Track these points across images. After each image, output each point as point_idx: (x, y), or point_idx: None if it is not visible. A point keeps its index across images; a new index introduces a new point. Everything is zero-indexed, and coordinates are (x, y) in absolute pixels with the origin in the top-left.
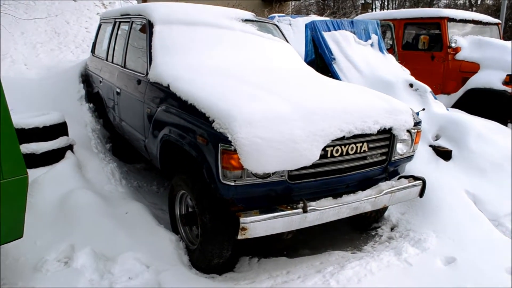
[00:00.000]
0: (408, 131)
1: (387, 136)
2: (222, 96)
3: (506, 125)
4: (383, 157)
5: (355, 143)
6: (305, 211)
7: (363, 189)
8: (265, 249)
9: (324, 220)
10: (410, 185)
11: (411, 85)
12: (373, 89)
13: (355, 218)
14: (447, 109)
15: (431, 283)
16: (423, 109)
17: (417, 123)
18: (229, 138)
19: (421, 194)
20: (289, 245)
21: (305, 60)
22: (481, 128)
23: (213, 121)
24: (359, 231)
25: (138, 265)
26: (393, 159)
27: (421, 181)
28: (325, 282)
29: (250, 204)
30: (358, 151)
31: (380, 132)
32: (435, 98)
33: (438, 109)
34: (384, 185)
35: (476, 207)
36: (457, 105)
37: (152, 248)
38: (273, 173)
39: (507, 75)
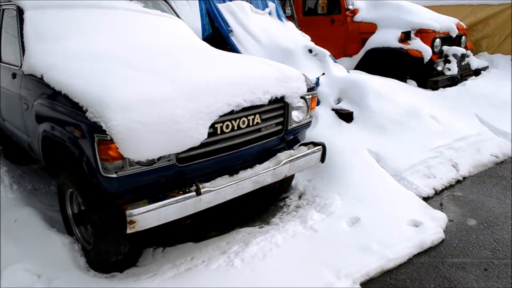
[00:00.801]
0: (302, 97)
1: (280, 105)
2: (96, 82)
3: (405, 81)
4: (279, 127)
5: (246, 116)
6: (198, 193)
7: (262, 162)
8: (171, 237)
9: (223, 199)
10: (310, 151)
11: (310, 51)
12: (273, 58)
13: (262, 191)
14: (348, 72)
15: (336, 246)
16: (323, 74)
17: (311, 89)
18: (104, 127)
19: (322, 159)
20: (196, 229)
21: (203, 35)
22: (380, 87)
23: (86, 110)
24: (268, 204)
25: (28, 276)
26: (289, 127)
27: (320, 146)
28: (229, 262)
29: (139, 195)
30: (251, 124)
31: (272, 101)
32: (335, 62)
33: (339, 72)
34: (283, 155)
35: (378, 165)
36: (359, 66)
37: (44, 255)
38: (158, 159)
39: (402, 32)
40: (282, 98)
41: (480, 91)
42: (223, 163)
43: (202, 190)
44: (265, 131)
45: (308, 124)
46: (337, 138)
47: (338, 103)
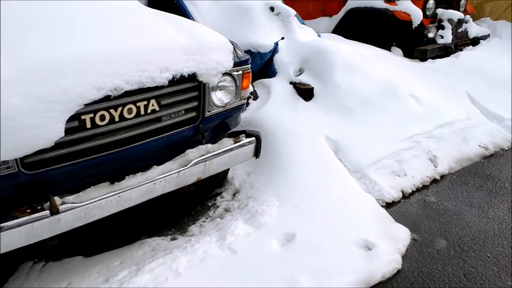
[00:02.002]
0: (228, 74)
1: (192, 85)
2: None
3: (389, 49)
4: (193, 114)
5: (134, 103)
6: (54, 212)
7: (164, 161)
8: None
9: (95, 217)
10: (236, 146)
11: (272, 9)
12: (227, 19)
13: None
14: (318, 35)
15: (254, 277)
16: (282, 38)
17: (241, 62)
18: None
19: (256, 154)
20: (97, 235)
21: None
22: (352, 57)
23: None
24: (196, 202)
25: None
26: (208, 114)
27: (253, 138)
28: None
29: None
30: (143, 112)
31: (177, 81)
32: (302, 23)
33: (304, 37)
34: (194, 153)
35: (335, 157)
36: (338, 29)
37: None
38: None
39: None
40: (194, 75)
41: (476, 64)
42: (102, 167)
43: (60, 207)
44: (168, 121)
45: (238, 108)
46: (290, 120)
47: (299, 74)
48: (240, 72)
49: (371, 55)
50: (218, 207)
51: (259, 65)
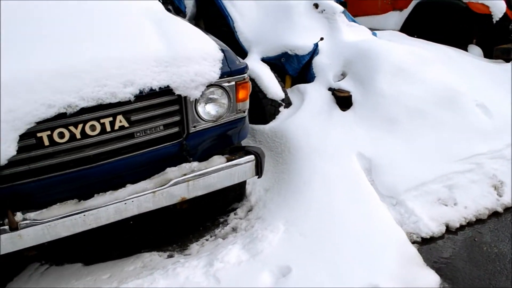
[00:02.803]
0: (217, 85)
1: (170, 98)
2: None
3: (466, 48)
4: (175, 129)
5: (97, 119)
6: (13, 228)
7: (143, 179)
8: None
9: (63, 234)
10: (228, 165)
11: (316, 6)
12: (266, 18)
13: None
14: (374, 34)
15: None
16: (321, 39)
17: (231, 73)
18: None
19: (257, 173)
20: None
21: None
22: (404, 60)
23: None
24: (215, 214)
25: None
26: (193, 130)
27: (252, 156)
28: None
29: None
30: (109, 129)
31: (147, 95)
32: (352, 20)
33: (351, 37)
34: (175, 172)
35: (366, 179)
36: (407, 24)
37: None
38: None
39: None
40: (169, 89)
41: None
42: (69, 184)
43: (20, 223)
44: (143, 137)
45: (235, 122)
46: (319, 132)
47: (342, 79)
48: (233, 83)
49: (434, 57)
50: (227, 224)
51: (297, 68)
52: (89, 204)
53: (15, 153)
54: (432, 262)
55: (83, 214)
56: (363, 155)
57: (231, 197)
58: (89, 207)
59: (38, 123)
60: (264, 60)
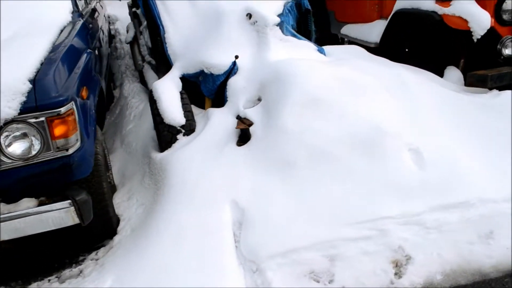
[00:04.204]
0: (22, 121)
1: None
2: None
3: (441, 72)
4: None
5: None
6: None
7: None
8: None
9: None
10: (33, 211)
11: (249, 16)
12: (200, 27)
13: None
14: (320, 50)
15: None
16: (236, 57)
17: (38, 108)
18: None
19: (83, 217)
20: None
21: None
22: (324, 87)
23: None
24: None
25: None
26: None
27: (68, 202)
28: None
29: None
30: None
31: None
32: (293, 35)
33: (279, 54)
34: None
35: (231, 234)
36: (385, 37)
37: None
38: None
39: None
40: None
41: None
42: None
43: None
44: None
45: (56, 161)
46: (202, 170)
47: (257, 104)
48: (42, 118)
49: (374, 85)
50: (79, 265)
51: (211, 89)
52: None
53: None
54: None
55: None
56: (237, 205)
57: (97, 233)
58: None
59: None
60: (184, 77)
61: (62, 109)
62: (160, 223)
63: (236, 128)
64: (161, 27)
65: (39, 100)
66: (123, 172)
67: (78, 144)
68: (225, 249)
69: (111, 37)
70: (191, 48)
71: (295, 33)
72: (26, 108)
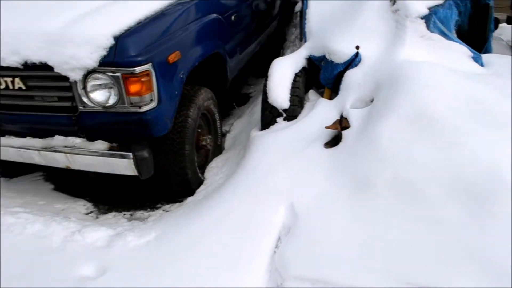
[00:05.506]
0: (102, 73)
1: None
2: None
3: None
4: (68, 104)
5: (1, 76)
6: None
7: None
8: None
9: None
10: (101, 152)
11: (393, 1)
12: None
13: None
14: (475, 58)
15: None
16: (357, 47)
17: (115, 64)
18: None
19: (141, 172)
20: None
21: None
22: (441, 105)
23: None
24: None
25: None
26: (82, 109)
27: (130, 154)
28: None
29: None
30: (10, 87)
31: (35, 66)
32: (438, 31)
33: (413, 53)
34: (59, 140)
35: (273, 238)
36: None
37: None
38: None
39: None
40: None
41: None
42: None
43: None
44: (40, 102)
45: (129, 115)
46: (274, 164)
47: (367, 106)
48: (118, 74)
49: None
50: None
51: (329, 78)
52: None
53: None
54: None
55: None
56: (293, 209)
57: (176, 190)
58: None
59: None
60: (310, 58)
61: (137, 69)
62: (215, 200)
63: (325, 127)
64: (305, 1)
65: (117, 57)
66: (235, 139)
67: (152, 104)
68: (261, 249)
69: (293, 3)
70: (325, 29)
71: (447, 31)
72: (105, 62)
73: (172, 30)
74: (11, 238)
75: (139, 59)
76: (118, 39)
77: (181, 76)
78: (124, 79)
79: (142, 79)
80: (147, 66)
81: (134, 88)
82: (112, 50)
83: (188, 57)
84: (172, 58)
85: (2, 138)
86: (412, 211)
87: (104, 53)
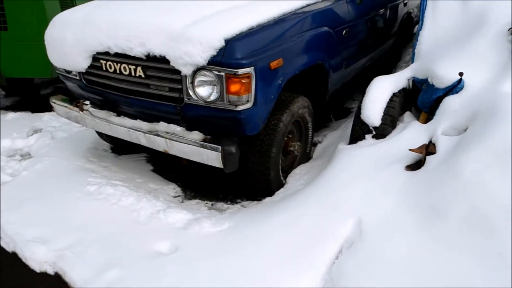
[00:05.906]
0: (208, 70)
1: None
2: None
3: None
4: (176, 95)
5: (127, 64)
6: (81, 110)
7: (150, 120)
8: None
9: (100, 129)
10: (195, 142)
11: (511, 31)
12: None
13: None
14: None
15: None
16: (461, 74)
17: (221, 64)
18: None
19: (226, 165)
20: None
21: None
22: None
23: None
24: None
25: None
26: (187, 101)
27: (219, 147)
28: None
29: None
30: (133, 73)
31: (154, 58)
32: None
33: None
34: (163, 127)
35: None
36: None
37: None
38: (68, 71)
39: None
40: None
41: None
42: (110, 99)
43: (84, 111)
44: (154, 90)
45: (226, 112)
46: (354, 179)
47: (462, 133)
48: (222, 73)
49: None
50: (229, 204)
51: (426, 102)
52: (116, 120)
53: (86, 66)
54: None
55: (109, 124)
56: (360, 224)
57: (257, 188)
58: (112, 121)
59: (99, 53)
60: (413, 80)
61: (240, 71)
62: (288, 203)
63: (409, 150)
64: (420, 22)
65: (224, 57)
66: (325, 150)
67: (248, 105)
68: (322, 257)
69: (414, 24)
70: (434, 52)
71: None
72: (213, 61)
73: (280, 39)
74: (108, 206)
75: (243, 62)
76: (228, 42)
77: (280, 82)
78: (227, 79)
79: (243, 81)
80: (249, 69)
81: (234, 87)
82: (221, 51)
83: (290, 65)
84: (274, 64)
85: (117, 117)
86: (482, 247)
87: (214, 53)
